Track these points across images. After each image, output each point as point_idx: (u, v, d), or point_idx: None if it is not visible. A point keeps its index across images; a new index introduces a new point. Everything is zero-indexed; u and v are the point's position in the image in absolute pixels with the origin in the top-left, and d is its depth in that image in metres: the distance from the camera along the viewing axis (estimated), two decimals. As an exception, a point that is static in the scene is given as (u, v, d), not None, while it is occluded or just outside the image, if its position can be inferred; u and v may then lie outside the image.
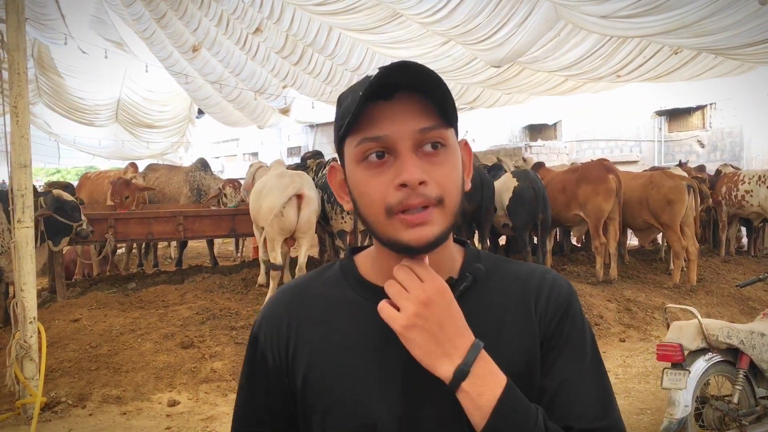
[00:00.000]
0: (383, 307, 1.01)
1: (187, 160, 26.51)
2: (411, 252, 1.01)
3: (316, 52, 12.25)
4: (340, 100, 1.06)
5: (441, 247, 1.04)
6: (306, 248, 6.87)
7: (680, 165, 11.35)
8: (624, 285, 8.39)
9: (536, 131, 20.54)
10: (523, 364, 1.08)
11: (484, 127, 20.41)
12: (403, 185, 0.98)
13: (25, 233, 5.07)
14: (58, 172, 40.05)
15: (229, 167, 31.05)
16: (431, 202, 0.99)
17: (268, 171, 7.62)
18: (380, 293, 1.05)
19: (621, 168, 9.74)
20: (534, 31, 8.38)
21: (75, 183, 16.14)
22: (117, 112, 19.96)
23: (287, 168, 8.05)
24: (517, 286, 1.13)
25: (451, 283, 1.06)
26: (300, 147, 26.65)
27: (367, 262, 1.16)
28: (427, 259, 1.03)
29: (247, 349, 1.21)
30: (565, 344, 1.10)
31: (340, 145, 1.07)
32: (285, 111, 17.05)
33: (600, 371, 1.12)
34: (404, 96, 1.00)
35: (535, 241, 8.45)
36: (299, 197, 6.69)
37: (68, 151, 25.83)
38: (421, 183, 0.98)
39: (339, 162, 1.10)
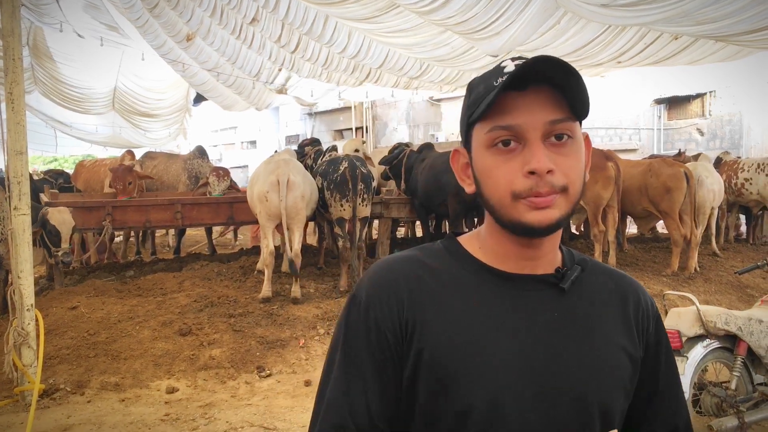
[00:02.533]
0: None
1: (185, 148, 26.43)
2: (532, 233, 1.06)
3: (313, 41, 12.17)
4: (471, 87, 1.10)
5: (557, 236, 1.12)
6: (299, 235, 6.85)
7: (679, 154, 11.34)
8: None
9: (535, 119, 20.47)
10: (622, 358, 1.13)
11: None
12: (532, 173, 1.02)
13: (21, 220, 5.05)
14: (55, 160, 39.88)
15: (227, 155, 30.96)
16: (556, 191, 1.03)
17: (286, 152, 7.61)
18: (496, 274, 1.12)
19: (620, 156, 9.72)
20: (533, 21, 8.32)
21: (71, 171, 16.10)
22: (113, 101, 19.86)
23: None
24: (614, 285, 1.19)
25: (561, 273, 1.13)
26: (298, 135, 26.56)
27: (474, 244, 1.18)
28: None
29: (350, 321, 1.13)
30: (663, 351, 1.20)
31: (469, 130, 1.11)
32: (282, 90, 16.94)
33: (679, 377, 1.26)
34: (536, 87, 1.04)
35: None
36: (285, 182, 6.65)
37: (65, 139, 25.74)
38: (549, 172, 1.02)
39: (463, 147, 1.16)
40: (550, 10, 8.12)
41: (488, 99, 1.02)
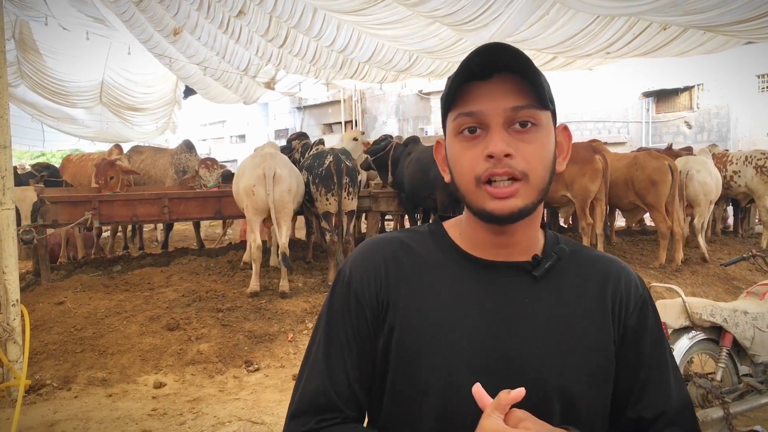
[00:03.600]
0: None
1: (174, 142, 26.30)
2: (496, 221, 1.10)
3: (301, 34, 12.11)
4: (448, 80, 1.14)
5: (530, 224, 1.14)
6: (287, 229, 6.82)
7: (669, 148, 11.35)
8: (610, 265, 8.40)
9: (524, 112, 20.44)
10: (589, 346, 1.14)
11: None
12: (490, 156, 1.06)
13: (6, 215, 5.00)
14: (43, 155, 39.61)
15: (216, 149, 30.86)
16: (516, 175, 1.06)
17: (271, 146, 7.56)
18: (472, 260, 1.16)
19: (608, 149, 9.74)
20: (521, 11, 8.30)
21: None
22: (101, 95, 19.71)
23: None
24: (596, 273, 1.19)
25: (537, 260, 1.16)
26: (287, 129, 26.49)
27: (456, 230, 1.23)
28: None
29: (335, 293, 1.21)
30: (648, 334, 1.18)
31: (444, 121, 1.17)
32: (270, 84, 16.86)
33: (674, 360, 1.22)
34: (501, 77, 1.08)
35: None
36: (271, 176, 6.62)
37: (53, 134, 25.57)
38: (507, 155, 1.06)
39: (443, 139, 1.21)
40: (539, 1, 8.11)
41: (452, 88, 1.09)
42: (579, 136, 18.35)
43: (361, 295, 1.16)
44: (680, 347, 3.90)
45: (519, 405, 0.99)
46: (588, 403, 1.13)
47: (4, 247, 4.97)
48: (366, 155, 8.99)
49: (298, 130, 26.16)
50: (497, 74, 1.08)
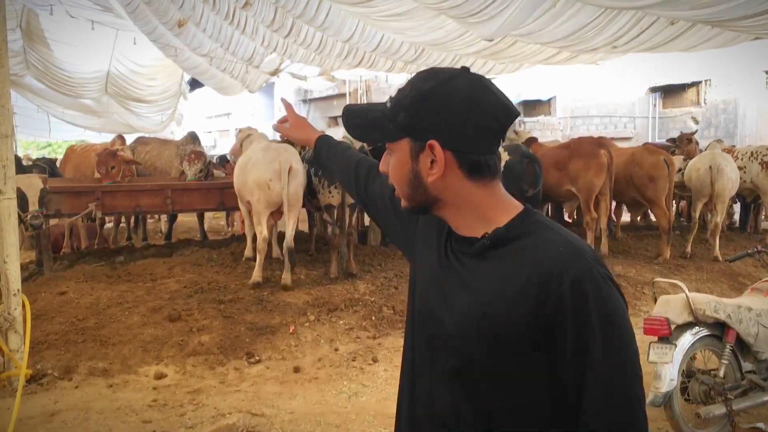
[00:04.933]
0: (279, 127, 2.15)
1: (179, 134, 26.30)
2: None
3: (307, 24, 12.06)
4: None
5: (456, 211, 1.35)
6: (294, 222, 6.81)
7: (690, 141, 11.18)
8: (614, 260, 8.38)
9: (530, 107, 20.40)
10: (509, 339, 1.22)
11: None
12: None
13: (7, 205, 5.00)
14: (49, 145, 39.68)
15: (221, 142, 30.84)
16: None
17: (251, 144, 7.50)
18: (447, 230, 1.41)
19: (614, 144, 9.69)
20: (528, 4, 8.22)
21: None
22: (107, 85, 19.68)
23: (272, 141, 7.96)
24: (528, 260, 1.23)
25: (476, 240, 1.31)
26: (293, 121, 26.40)
27: None
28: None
29: None
30: (574, 338, 1.18)
31: None
32: (275, 72, 16.82)
33: (615, 374, 1.18)
34: None
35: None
36: (287, 170, 6.61)
37: (59, 125, 25.59)
38: (385, 173, 1.45)
39: None
40: (546, -7, 8.07)
41: None
42: (585, 130, 18.28)
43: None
44: (683, 343, 3.87)
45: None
46: (484, 368, 1.26)
47: (5, 236, 4.96)
48: (362, 144, 8.93)
49: (303, 122, 26.10)
50: None
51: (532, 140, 10.10)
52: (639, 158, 8.58)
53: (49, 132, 27.68)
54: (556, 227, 1.30)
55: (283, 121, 2.10)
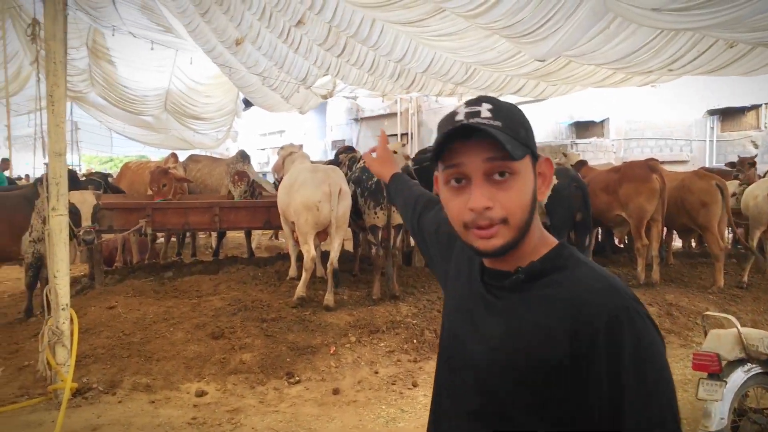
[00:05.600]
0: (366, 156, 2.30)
1: (234, 151, 26.81)
2: (483, 255, 1.31)
3: (359, 44, 12.18)
4: (438, 128, 1.32)
5: (519, 245, 1.28)
6: (339, 242, 6.83)
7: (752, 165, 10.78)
8: (666, 288, 8.12)
9: (582, 128, 20.04)
10: (539, 373, 1.20)
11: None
12: (472, 209, 1.23)
13: (59, 221, 5.14)
14: (111, 160, 41.02)
15: (274, 159, 31.29)
16: (495, 222, 1.23)
17: (294, 163, 7.55)
18: (480, 262, 1.38)
19: (671, 168, 9.43)
20: (581, 25, 8.12)
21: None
22: (166, 103, 20.26)
23: (312, 161, 8.00)
24: (565, 294, 1.22)
25: (513, 273, 1.29)
26: (344, 140, 26.67)
27: None
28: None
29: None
30: (611, 383, 1.14)
31: (436, 165, 1.33)
32: (327, 95, 17.04)
33: (651, 416, 1.13)
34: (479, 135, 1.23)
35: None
36: (337, 192, 6.65)
37: (120, 140, 26.43)
38: (487, 209, 1.22)
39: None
40: (599, 14, 7.92)
41: (436, 148, 1.26)
42: (639, 153, 17.87)
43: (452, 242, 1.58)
44: (734, 380, 3.71)
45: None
46: (513, 403, 1.24)
47: (55, 252, 5.10)
48: (408, 162, 8.90)
49: (354, 141, 26.33)
50: (475, 135, 1.22)
51: (582, 163, 9.88)
52: (690, 183, 8.32)
53: (111, 147, 28.64)
54: (591, 263, 1.29)
55: (373, 150, 2.27)
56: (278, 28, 12.69)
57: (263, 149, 31.50)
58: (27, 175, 15.22)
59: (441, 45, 10.79)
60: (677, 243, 11.43)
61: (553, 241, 1.33)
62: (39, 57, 5.48)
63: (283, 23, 12.45)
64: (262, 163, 32.10)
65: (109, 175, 13.58)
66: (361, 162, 7.78)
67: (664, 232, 9.09)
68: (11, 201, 6.66)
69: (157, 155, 34.07)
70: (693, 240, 10.97)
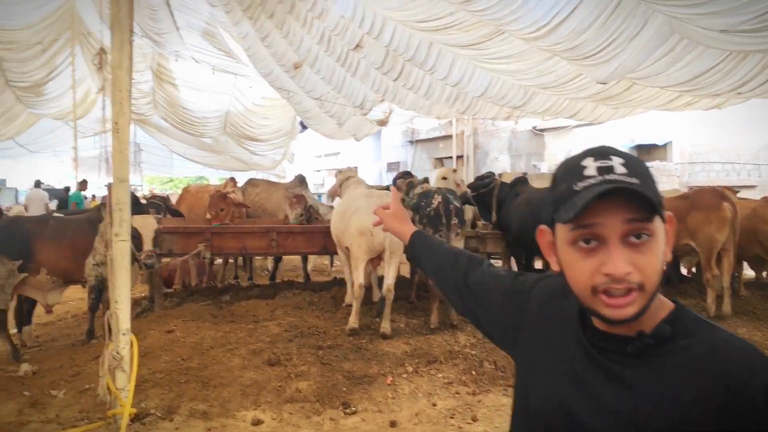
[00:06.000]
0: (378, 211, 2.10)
1: (290, 172, 27.18)
2: (610, 323, 1.17)
3: (416, 67, 12.19)
4: (556, 178, 1.24)
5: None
6: (395, 268, 6.74)
7: None
8: (738, 321, 7.74)
9: (644, 152, 19.54)
10: None
11: (588, 145, 19.51)
12: (608, 275, 1.12)
13: (121, 246, 5.19)
14: (171, 180, 42.19)
15: (329, 180, 31.58)
16: (633, 288, 1.12)
17: (350, 188, 7.51)
18: (599, 337, 1.23)
19: (738, 193, 9.05)
20: (645, 47, 7.92)
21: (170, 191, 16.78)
22: (225, 125, 20.69)
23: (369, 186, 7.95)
24: (704, 365, 1.13)
25: (637, 337, 1.18)
26: (399, 162, 26.71)
27: None
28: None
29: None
30: None
31: (554, 220, 1.22)
32: (383, 122, 17.11)
33: None
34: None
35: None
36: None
37: (180, 161, 27.11)
38: (626, 274, 1.12)
39: (548, 227, 1.28)
40: (664, 36, 7.72)
41: (575, 209, 1.12)
42: (705, 177, 17.33)
43: (518, 290, 1.51)
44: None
45: None
46: None
47: (118, 277, 5.14)
48: (466, 190, 8.80)
49: (410, 163, 26.34)
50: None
51: None
52: (762, 212, 7.97)
53: (172, 168, 29.43)
54: (715, 325, 1.23)
55: (386, 207, 2.11)
56: (336, 52, 12.81)
57: (318, 171, 31.83)
58: (93, 195, 15.69)
59: (499, 68, 10.69)
60: (748, 273, 10.94)
61: (669, 302, 1.25)
62: (105, 85, 5.58)
63: (341, 47, 12.56)
64: (318, 184, 32.43)
65: (167, 198, 13.91)
66: (419, 187, 7.71)
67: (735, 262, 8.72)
68: (76, 225, 6.79)
69: (215, 176, 34.87)
70: (766, 271, 10.49)
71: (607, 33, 7.80)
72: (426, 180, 8.16)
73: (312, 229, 8.15)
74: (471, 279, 1.68)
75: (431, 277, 1.90)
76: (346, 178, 7.68)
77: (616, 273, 1.11)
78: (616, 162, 1.15)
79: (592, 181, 1.13)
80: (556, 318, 1.34)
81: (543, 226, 1.29)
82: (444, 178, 9.11)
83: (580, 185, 1.14)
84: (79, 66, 17.79)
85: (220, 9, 12.65)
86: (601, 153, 1.18)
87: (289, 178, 28.29)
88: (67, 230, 6.70)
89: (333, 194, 8.13)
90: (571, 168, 1.20)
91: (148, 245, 6.48)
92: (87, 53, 17.41)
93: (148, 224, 6.54)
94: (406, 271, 8.87)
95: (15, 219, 7.45)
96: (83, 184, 15.17)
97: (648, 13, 7.43)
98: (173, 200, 18.88)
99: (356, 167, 8.36)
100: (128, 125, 5.35)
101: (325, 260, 13.25)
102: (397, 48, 11.46)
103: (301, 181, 10.08)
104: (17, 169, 30.99)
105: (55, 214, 7.76)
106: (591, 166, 1.16)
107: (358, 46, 12.18)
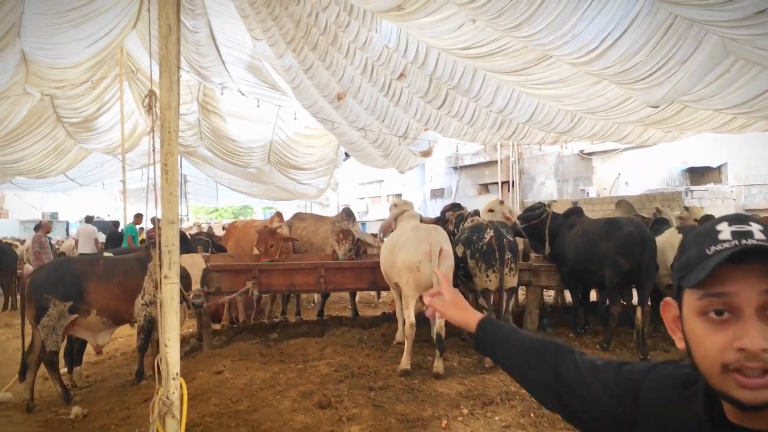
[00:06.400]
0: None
1: (334, 201, 27.29)
2: (743, 409, 1.04)
3: (460, 95, 12.08)
4: (684, 245, 1.15)
5: None
6: (444, 306, 6.50)
7: None
8: None
9: (698, 174, 18.98)
10: None
11: (638, 168, 19.24)
12: (742, 350, 1.01)
13: (171, 289, 5.12)
14: (216, 210, 42.84)
15: (373, 208, 31.60)
16: None
17: (402, 222, 7.33)
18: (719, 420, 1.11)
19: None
20: (699, 69, 7.66)
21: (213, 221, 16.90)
22: (269, 154, 20.89)
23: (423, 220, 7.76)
24: None
25: None
26: (443, 189, 26.57)
27: None
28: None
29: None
30: None
31: (680, 289, 1.13)
32: (427, 153, 17.03)
33: None
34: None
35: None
36: (437, 252, 6.35)
37: (225, 192, 27.48)
38: (764, 351, 1.00)
39: (674, 299, 1.17)
40: (719, 58, 7.46)
41: (705, 270, 1.03)
42: (762, 200, 16.71)
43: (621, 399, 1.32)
44: None
45: None
46: None
47: (167, 320, 5.07)
48: (515, 221, 8.58)
49: (454, 191, 26.18)
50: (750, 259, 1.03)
51: (708, 219, 9.07)
52: None
53: (217, 198, 29.85)
54: None
55: (434, 293, 1.87)
56: (380, 82, 12.80)
57: (362, 198, 31.85)
58: (141, 228, 15.95)
59: (545, 93, 10.50)
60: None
61: None
62: (154, 126, 5.56)
63: (384, 76, 12.54)
64: (362, 212, 32.48)
65: (213, 234, 14.00)
66: (469, 220, 7.51)
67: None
68: (125, 265, 6.79)
69: (259, 205, 35.19)
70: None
71: (658, 56, 7.56)
72: (476, 212, 7.95)
73: (360, 265, 8.01)
74: (564, 372, 1.47)
75: (510, 372, 1.66)
76: (401, 212, 7.48)
77: (751, 348, 1.00)
78: (755, 228, 1.06)
79: (726, 245, 1.05)
80: (678, 413, 1.20)
81: (668, 299, 1.19)
82: (491, 211, 8.91)
83: (713, 249, 1.06)
84: (127, 101, 18.22)
85: (264, 42, 12.77)
86: (738, 219, 1.11)
87: (333, 206, 28.42)
88: (116, 270, 6.70)
89: (387, 229, 7.98)
90: (703, 233, 1.12)
91: (196, 284, 6.42)
92: (134, 87, 17.81)
93: (196, 263, 6.48)
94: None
95: (65, 260, 7.50)
96: (138, 218, 15.49)
97: (701, 34, 7.19)
98: (216, 230, 19.15)
99: (411, 202, 8.12)
100: (177, 166, 5.31)
101: (372, 291, 13.10)
102: (441, 76, 11.39)
103: (347, 214, 9.98)
104: (68, 202, 31.83)
105: (105, 254, 7.77)
106: (726, 230, 1.08)
107: (401, 75, 12.14)
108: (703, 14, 6.75)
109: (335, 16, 10.73)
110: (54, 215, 31.37)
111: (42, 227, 15.41)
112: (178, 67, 5.44)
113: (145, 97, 5.52)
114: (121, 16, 13.90)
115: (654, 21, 7.29)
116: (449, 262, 6.49)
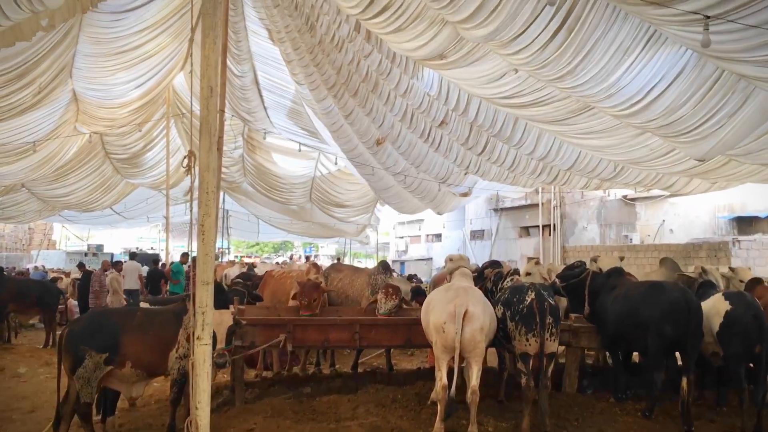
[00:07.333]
0: None
1: (373, 238, 27.27)
2: None
3: (501, 142, 12.01)
4: None
5: None
6: (478, 369, 6.28)
7: None
8: None
9: (745, 224, 18.38)
10: None
11: (683, 216, 18.79)
12: None
13: (203, 350, 5.08)
14: (257, 244, 43.26)
15: (412, 248, 31.50)
16: None
17: (454, 278, 7.19)
18: None
19: None
20: (747, 122, 7.47)
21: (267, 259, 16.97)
22: (311, 192, 21.04)
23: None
24: None
25: None
26: (483, 231, 26.34)
27: None
28: None
29: None
30: None
31: None
32: (466, 194, 16.94)
33: None
34: None
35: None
36: (461, 314, 6.18)
37: (266, 227, 27.77)
38: None
39: None
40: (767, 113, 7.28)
41: None
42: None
43: None
44: None
45: None
46: None
47: (199, 382, 5.02)
48: (554, 279, 8.39)
49: (493, 232, 25.94)
50: None
51: (756, 282, 8.56)
52: None
53: (258, 234, 30.16)
54: None
55: None
56: (419, 128, 12.81)
57: (401, 237, 31.77)
58: (188, 267, 16.25)
59: (587, 143, 10.36)
60: None
61: None
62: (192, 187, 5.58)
63: (425, 123, 12.56)
64: (400, 251, 32.44)
65: (251, 274, 14.04)
66: (508, 280, 7.35)
67: None
68: (162, 318, 6.80)
69: (299, 241, 35.40)
70: None
71: (704, 109, 7.40)
72: (516, 271, 7.77)
73: (396, 322, 7.89)
74: None
75: None
76: (456, 267, 7.33)
77: None
78: None
79: None
80: None
81: None
82: (528, 274, 8.76)
83: None
84: (173, 138, 18.60)
85: (305, 87, 12.92)
86: None
87: (372, 243, 28.35)
88: (153, 323, 6.71)
89: (439, 282, 7.84)
90: None
91: (221, 343, 6.35)
92: (180, 125, 18.19)
93: (223, 321, 6.42)
94: (494, 360, 8.41)
95: (103, 312, 7.55)
96: (184, 257, 15.80)
97: (749, 88, 7.01)
98: (257, 268, 19.24)
99: (467, 257, 7.97)
100: (213, 227, 5.31)
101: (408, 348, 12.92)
102: (483, 124, 11.34)
103: (384, 268, 9.88)
104: (114, 234, 32.49)
105: (142, 304, 7.82)
106: None
107: (443, 122, 12.14)
108: (752, 70, 6.61)
109: (377, 63, 10.80)
110: (99, 247, 32.04)
111: (102, 265, 15.69)
112: (222, 111, 5.50)
113: (184, 157, 5.57)
114: (170, 57, 14.23)
115: (701, 74, 7.15)
116: (475, 325, 6.22)
